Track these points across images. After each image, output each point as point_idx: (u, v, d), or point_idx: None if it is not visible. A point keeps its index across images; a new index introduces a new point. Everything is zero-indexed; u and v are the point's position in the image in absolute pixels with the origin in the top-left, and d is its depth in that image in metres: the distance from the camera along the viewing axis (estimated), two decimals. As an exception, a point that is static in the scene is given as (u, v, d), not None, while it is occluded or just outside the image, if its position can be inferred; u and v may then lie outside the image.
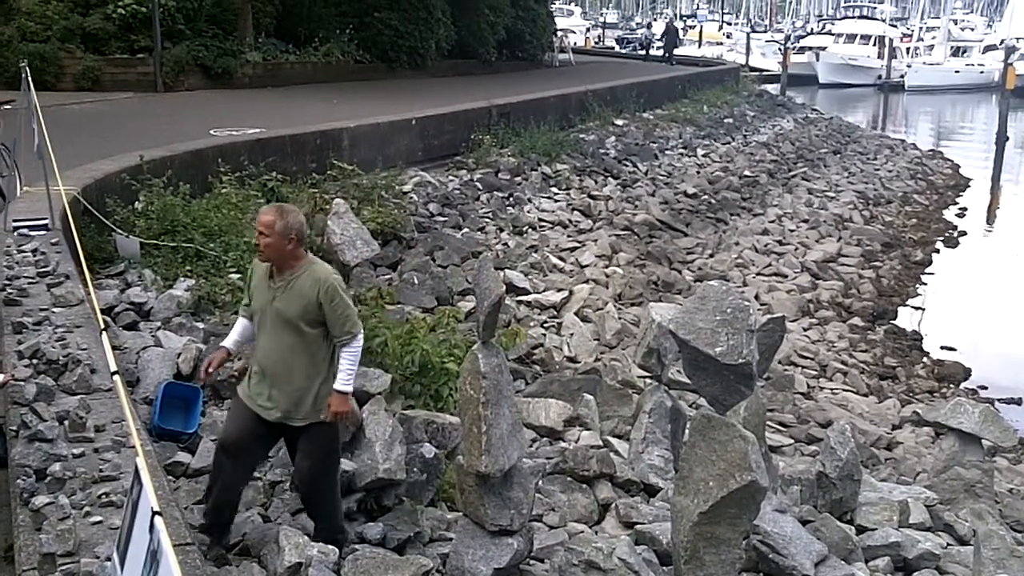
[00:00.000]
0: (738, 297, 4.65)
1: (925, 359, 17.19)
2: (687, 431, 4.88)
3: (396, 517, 6.68)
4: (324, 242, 7.06)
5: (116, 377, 4.32)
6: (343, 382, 5.85)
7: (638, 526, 7.30)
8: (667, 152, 27.11)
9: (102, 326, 5.11)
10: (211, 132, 17.43)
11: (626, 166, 24.33)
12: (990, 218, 30.79)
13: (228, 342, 6.14)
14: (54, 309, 6.86)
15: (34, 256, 8.19)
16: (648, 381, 12.19)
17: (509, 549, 5.91)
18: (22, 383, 5.10)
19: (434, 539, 6.84)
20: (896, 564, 7.76)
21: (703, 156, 28.06)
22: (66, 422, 4.65)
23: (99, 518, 3.88)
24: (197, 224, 11.57)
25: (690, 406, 9.96)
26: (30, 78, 9.92)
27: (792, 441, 10.92)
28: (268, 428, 5.84)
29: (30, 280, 7.51)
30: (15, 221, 9.49)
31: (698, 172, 26.07)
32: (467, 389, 5.69)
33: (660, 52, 50.79)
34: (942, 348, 17.90)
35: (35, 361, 5.37)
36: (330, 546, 5.95)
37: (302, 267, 5.71)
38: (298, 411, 5.78)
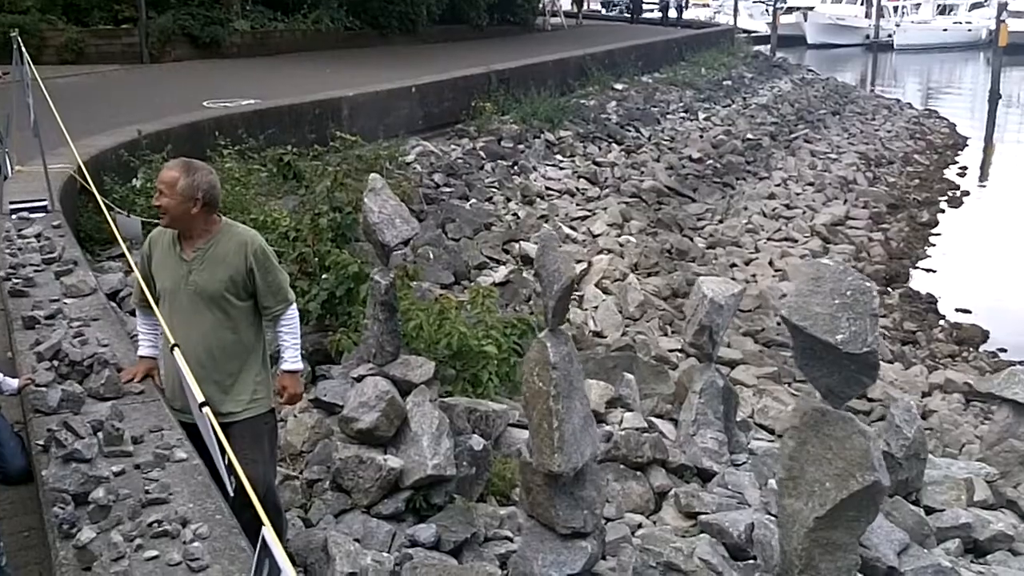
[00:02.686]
0: (858, 277, 4.08)
1: (942, 322, 16.96)
2: (791, 428, 4.33)
3: (449, 517, 6.14)
4: (361, 221, 6.46)
5: (206, 409, 3.68)
6: (291, 360, 5.05)
7: (702, 517, 6.78)
8: (668, 116, 26.60)
9: (172, 341, 4.40)
10: (204, 104, 16.75)
11: (629, 131, 23.79)
12: (988, 177, 30.46)
13: (145, 349, 5.15)
14: (66, 300, 6.27)
15: (38, 241, 7.58)
16: (679, 355, 11.78)
17: (583, 553, 5.37)
18: (44, 389, 4.52)
19: (489, 538, 6.33)
20: (966, 546, 7.30)
21: (704, 120, 27.57)
22: (100, 434, 4.08)
23: (154, 552, 3.31)
24: (201, 201, 10.93)
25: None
26: (23, 48, 9.25)
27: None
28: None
29: (36, 268, 6.91)
30: (11, 204, 8.85)
31: (701, 136, 25.57)
32: (535, 381, 5.13)
33: (671, 15, 50.09)
34: (957, 311, 17.65)
35: (56, 363, 4.78)
36: (385, 554, 5.42)
37: (219, 232, 4.86)
38: (232, 403, 4.86)
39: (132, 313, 8.83)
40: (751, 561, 6.22)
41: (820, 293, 4.11)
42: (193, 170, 4.81)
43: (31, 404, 4.53)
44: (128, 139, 12.21)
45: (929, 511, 7.57)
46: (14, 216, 8.55)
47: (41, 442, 4.12)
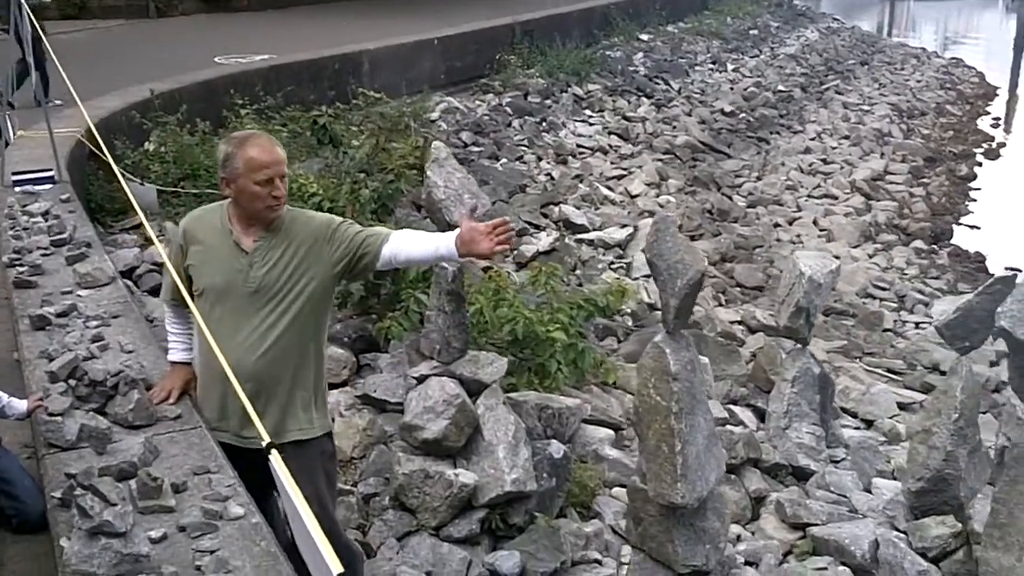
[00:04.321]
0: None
1: None
2: (1007, 464, 3.45)
3: (533, 541, 5.29)
4: (423, 199, 5.52)
5: (275, 456, 2.77)
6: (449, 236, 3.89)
7: (812, 530, 5.93)
8: (697, 68, 25.55)
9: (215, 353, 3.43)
10: (216, 60, 15.76)
11: (658, 84, 22.75)
12: (1018, 128, 29.56)
13: (178, 354, 4.19)
14: (80, 293, 5.35)
15: (45, 220, 6.63)
16: (741, 329, 10.86)
17: (704, 595, 4.51)
18: (59, 418, 3.64)
19: (576, 562, 5.46)
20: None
21: (733, 71, 26.52)
22: (133, 484, 3.20)
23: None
24: (221, 166, 10.01)
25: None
26: (23, 2, 8.28)
27: (921, 395, 9.49)
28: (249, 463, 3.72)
29: (44, 252, 5.97)
30: (14, 175, 7.92)
31: (731, 88, 24.54)
32: (651, 395, 4.24)
33: None
34: (1007, 269, 16.77)
35: (74, 382, 3.89)
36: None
37: (286, 216, 3.95)
38: (292, 422, 3.99)
39: (150, 292, 8.02)
40: (883, 589, 5.37)
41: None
42: (277, 143, 3.96)
43: (43, 436, 3.63)
44: (139, 99, 11.27)
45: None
46: (17, 189, 7.61)
47: (58, 494, 3.23)
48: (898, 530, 5.66)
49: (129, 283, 7.86)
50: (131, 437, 3.66)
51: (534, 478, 5.46)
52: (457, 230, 3.83)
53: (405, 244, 3.93)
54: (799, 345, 7.17)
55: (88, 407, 3.84)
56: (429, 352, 5.71)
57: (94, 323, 4.83)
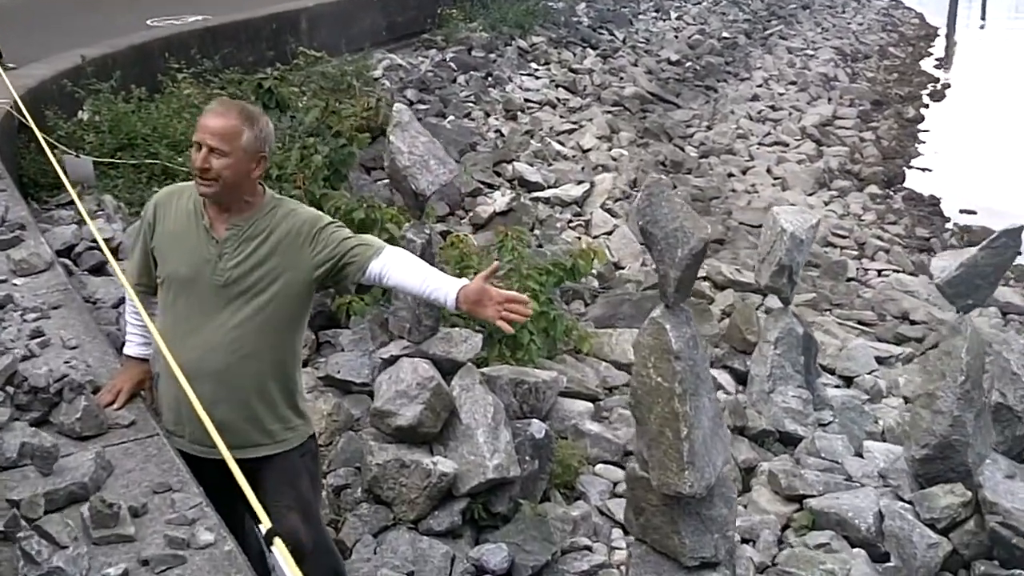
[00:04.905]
0: None
1: (950, 226, 16.12)
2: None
3: (520, 531, 4.95)
4: (386, 167, 5.08)
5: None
6: (450, 282, 3.42)
7: (810, 502, 5.65)
8: (640, 17, 25.22)
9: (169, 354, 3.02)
10: (148, 23, 15.03)
11: (602, 34, 22.36)
12: (958, 67, 29.75)
13: (134, 347, 3.72)
14: (15, 282, 4.86)
15: (-28, 201, 6.12)
16: (708, 286, 10.55)
17: (714, 587, 4.20)
18: (-3, 433, 3.21)
19: (565, 550, 5.13)
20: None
21: (677, 19, 26.25)
22: (84, 514, 2.79)
23: None
24: (159, 135, 9.47)
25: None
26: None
27: (897, 348, 9.27)
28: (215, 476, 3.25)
29: (-28, 238, 5.48)
30: (-64, 150, 7.35)
31: (676, 37, 24.27)
32: (651, 376, 3.88)
33: None
34: (962, 212, 16.88)
35: (12, 389, 3.45)
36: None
37: (265, 205, 3.52)
38: (261, 434, 3.58)
39: (91, 272, 7.50)
40: (889, 565, 5.09)
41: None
42: (255, 117, 3.46)
43: (-20, 455, 3.20)
44: (69, 66, 10.59)
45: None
46: (-61, 167, 7.06)
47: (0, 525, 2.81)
48: (903, 500, 5.39)
49: (68, 262, 7.36)
50: (80, 452, 3.23)
51: (517, 462, 5.10)
52: (463, 280, 3.40)
53: (397, 268, 3.44)
54: (781, 304, 6.87)
55: (29, 417, 3.40)
56: (398, 331, 5.31)
57: (32, 316, 4.37)
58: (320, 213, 3.64)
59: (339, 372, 6.04)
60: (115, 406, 3.57)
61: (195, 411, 3.23)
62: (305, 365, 6.42)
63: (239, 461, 3.04)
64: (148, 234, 3.56)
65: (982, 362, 5.35)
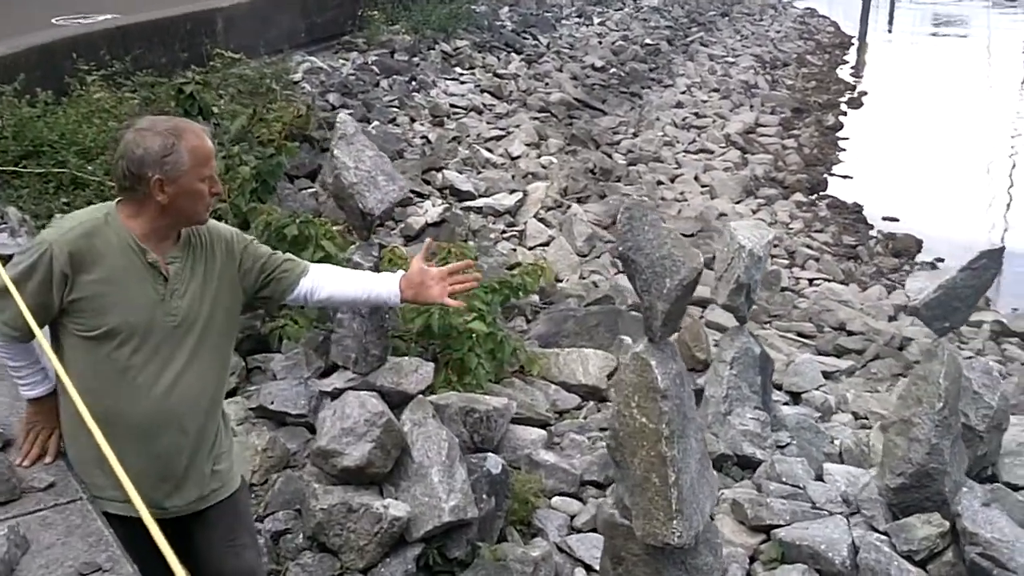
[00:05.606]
0: None
1: (874, 233, 16.22)
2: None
3: (479, 580, 4.52)
4: (330, 183, 4.62)
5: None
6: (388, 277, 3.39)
7: (778, 532, 5.33)
8: (564, 22, 24.95)
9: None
10: (53, 22, 14.29)
11: (526, 39, 22.03)
12: (873, 75, 30.17)
13: (39, 387, 3.19)
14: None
15: None
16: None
17: (699, 644, 3.83)
18: None
19: (529, 595, 4.73)
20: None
21: (600, 25, 26.04)
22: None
23: None
24: (68, 141, 8.88)
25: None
26: None
27: (841, 362, 9.07)
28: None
29: None
30: None
31: (599, 43, 24.03)
32: (633, 416, 3.50)
33: None
34: (884, 219, 16.98)
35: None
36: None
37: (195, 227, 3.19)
38: (217, 479, 3.26)
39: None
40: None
41: None
42: (206, 133, 3.11)
43: None
44: (-32, 68, 9.94)
45: (1014, 488, 6.27)
46: None
47: None
48: (877, 531, 5.09)
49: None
50: (-14, 528, 2.75)
51: (473, 502, 4.69)
52: (399, 272, 3.24)
53: (329, 281, 3.27)
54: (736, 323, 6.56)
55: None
56: (343, 362, 4.86)
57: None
58: (237, 229, 3.32)
59: (272, 403, 5.54)
60: (47, 459, 3.11)
61: (158, 467, 2.99)
62: (234, 394, 5.91)
63: (202, 511, 2.91)
64: (61, 285, 2.98)
65: (959, 387, 5.09)
